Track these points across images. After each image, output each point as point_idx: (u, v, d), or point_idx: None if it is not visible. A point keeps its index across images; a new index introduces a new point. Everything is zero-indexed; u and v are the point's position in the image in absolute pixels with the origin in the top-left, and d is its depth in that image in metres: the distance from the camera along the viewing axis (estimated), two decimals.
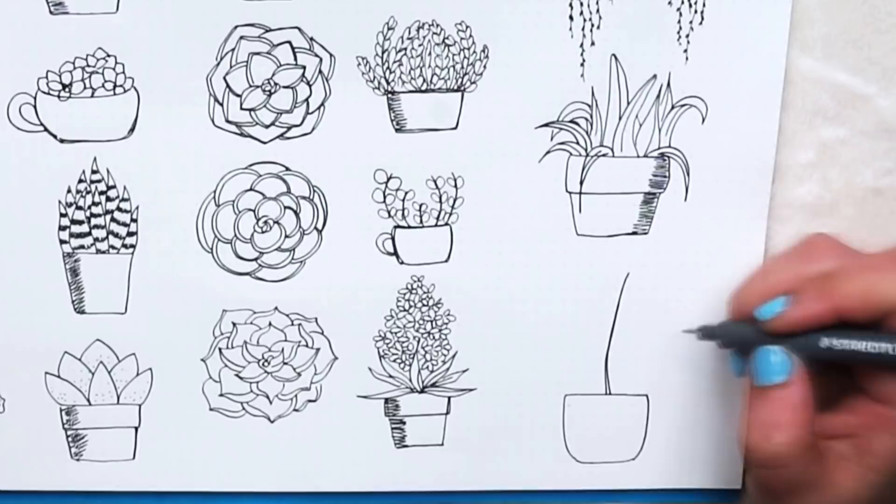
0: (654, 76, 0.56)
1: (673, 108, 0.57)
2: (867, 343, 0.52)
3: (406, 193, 0.57)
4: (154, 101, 0.56)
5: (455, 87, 0.56)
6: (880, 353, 0.52)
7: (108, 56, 0.55)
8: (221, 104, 0.56)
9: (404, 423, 0.61)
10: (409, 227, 0.58)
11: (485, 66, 0.56)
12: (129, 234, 0.57)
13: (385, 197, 0.57)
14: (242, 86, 0.56)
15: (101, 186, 0.57)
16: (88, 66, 0.55)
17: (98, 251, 0.58)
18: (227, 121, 0.56)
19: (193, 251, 0.58)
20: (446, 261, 0.59)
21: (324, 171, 0.57)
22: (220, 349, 0.59)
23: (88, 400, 0.60)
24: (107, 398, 0.60)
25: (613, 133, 0.57)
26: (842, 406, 0.55)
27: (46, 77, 0.55)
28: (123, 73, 0.55)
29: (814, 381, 0.53)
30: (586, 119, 0.57)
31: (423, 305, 0.59)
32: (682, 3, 0.55)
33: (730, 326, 0.57)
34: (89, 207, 0.57)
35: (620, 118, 0.57)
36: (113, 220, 0.57)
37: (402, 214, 0.58)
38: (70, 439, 0.61)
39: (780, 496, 0.53)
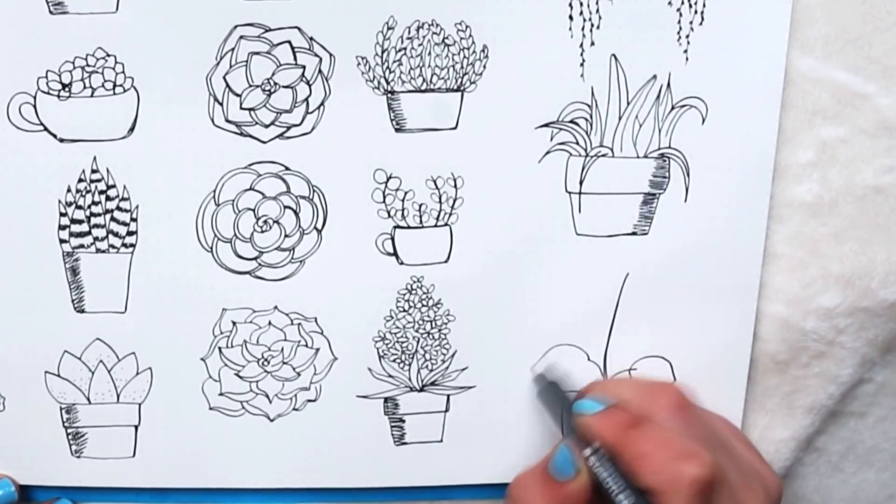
0: (654, 76, 0.56)
1: (673, 108, 0.57)
2: (613, 480, 0.53)
3: (406, 193, 0.57)
4: (154, 101, 0.56)
5: (455, 87, 0.56)
6: (612, 491, 0.52)
7: (108, 56, 0.55)
8: (221, 104, 0.56)
9: (403, 420, 0.61)
10: (409, 227, 0.58)
11: (485, 66, 0.56)
12: (129, 233, 0.57)
13: (385, 197, 0.57)
14: (242, 85, 0.56)
15: (101, 186, 0.57)
16: (88, 65, 0.55)
17: (98, 250, 0.58)
18: (227, 120, 0.56)
19: (193, 251, 0.58)
20: (446, 261, 0.59)
21: (324, 170, 0.57)
22: (219, 348, 0.59)
23: (88, 399, 0.60)
24: (107, 397, 0.60)
25: (613, 133, 0.57)
26: None
27: (46, 77, 0.55)
28: (123, 73, 0.55)
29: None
30: (586, 119, 0.57)
31: (423, 306, 0.59)
32: (682, 3, 0.55)
33: (553, 394, 0.59)
34: (89, 207, 0.57)
35: (620, 118, 0.57)
36: (113, 219, 0.57)
37: (402, 214, 0.58)
38: (70, 437, 0.61)
39: None
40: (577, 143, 0.57)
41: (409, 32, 0.55)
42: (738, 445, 0.58)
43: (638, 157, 0.57)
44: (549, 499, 0.55)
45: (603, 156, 0.57)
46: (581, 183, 0.58)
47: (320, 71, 0.56)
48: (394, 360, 0.60)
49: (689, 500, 0.50)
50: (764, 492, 0.55)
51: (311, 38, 0.55)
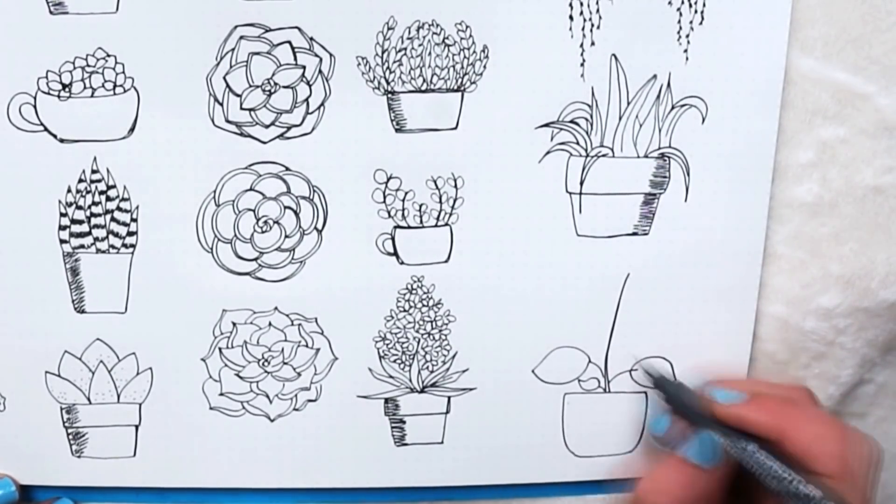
0: (654, 76, 0.56)
1: (673, 108, 0.57)
2: (782, 470, 0.52)
3: (406, 193, 0.57)
4: (154, 101, 0.56)
5: (455, 87, 0.56)
6: (785, 481, 0.52)
7: (108, 56, 0.55)
8: (221, 104, 0.56)
9: (404, 422, 0.61)
10: (409, 227, 0.58)
11: (485, 66, 0.56)
12: (129, 233, 0.57)
13: (385, 197, 0.57)
14: (242, 86, 0.56)
15: (101, 186, 0.57)
16: (88, 66, 0.55)
17: (98, 251, 0.58)
18: (227, 121, 0.56)
19: (193, 251, 0.58)
20: (446, 261, 0.59)
21: (324, 171, 0.57)
22: (220, 349, 0.59)
23: (89, 399, 0.60)
24: (107, 397, 0.60)
25: (613, 133, 0.57)
26: None
27: (46, 77, 0.55)
28: (123, 73, 0.55)
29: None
30: (586, 119, 0.57)
31: (423, 306, 0.59)
32: (682, 3, 0.55)
33: (683, 390, 0.58)
34: (89, 207, 0.57)
35: (620, 118, 0.57)
36: (113, 219, 0.57)
37: (402, 214, 0.58)
38: (71, 437, 0.61)
39: None
40: (578, 143, 0.57)
41: (410, 32, 0.55)
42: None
43: (638, 156, 0.57)
44: (691, 488, 0.54)
45: (603, 156, 0.57)
46: (581, 183, 0.58)
47: (320, 71, 0.56)
48: (394, 361, 0.60)
49: (868, 482, 0.51)
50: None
51: (312, 39, 0.55)
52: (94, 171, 0.56)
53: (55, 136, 0.56)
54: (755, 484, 0.53)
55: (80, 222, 0.57)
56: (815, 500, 0.50)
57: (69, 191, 0.57)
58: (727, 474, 0.55)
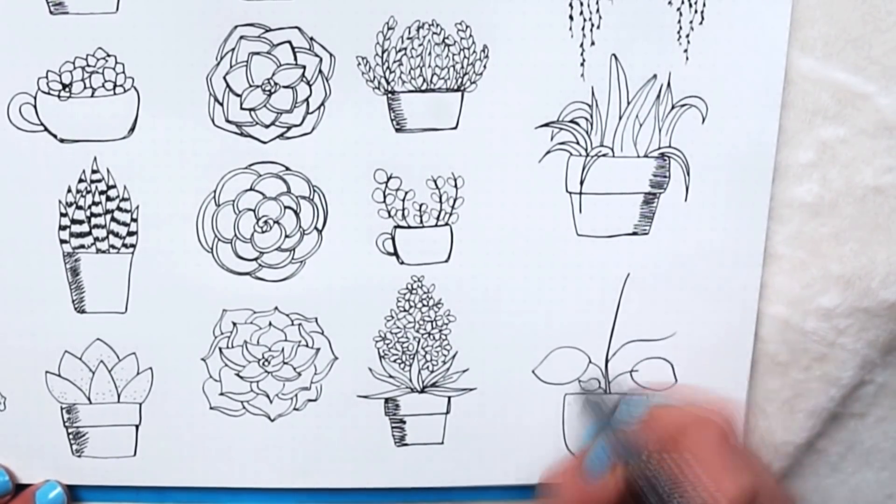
0: (654, 76, 0.56)
1: (673, 108, 0.57)
2: (664, 484, 0.52)
3: (406, 193, 0.57)
4: (154, 101, 0.56)
5: (455, 87, 0.56)
6: (663, 496, 0.52)
7: (108, 56, 0.55)
8: (221, 104, 0.56)
9: (404, 422, 0.61)
10: (409, 227, 0.58)
11: (485, 66, 0.56)
12: (130, 233, 0.57)
13: (385, 197, 0.57)
14: (242, 86, 0.56)
15: (102, 186, 0.57)
16: (88, 66, 0.55)
17: (98, 251, 0.58)
18: (227, 121, 0.56)
19: (193, 251, 0.58)
20: (446, 261, 0.59)
21: (324, 171, 0.57)
22: (220, 349, 0.59)
23: (89, 398, 0.60)
24: (107, 397, 0.60)
25: (613, 133, 0.57)
26: None
27: (46, 77, 0.55)
28: (123, 73, 0.55)
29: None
30: (586, 119, 0.57)
31: (424, 306, 0.59)
32: (682, 3, 0.55)
33: (604, 401, 0.58)
34: (89, 207, 0.57)
35: (620, 118, 0.57)
36: (113, 219, 0.57)
37: (402, 214, 0.58)
38: (71, 437, 0.61)
39: None
40: (578, 143, 0.57)
41: (410, 32, 0.55)
42: (765, 472, 0.58)
43: (638, 156, 0.57)
44: (580, 494, 0.55)
45: (603, 156, 0.57)
46: (581, 183, 0.58)
47: (320, 71, 0.56)
48: (394, 361, 0.60)
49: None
50: None
51: (312, 39, 0.55)
52: (94, 171, 0.56)
53: (55, 136, 0.56)
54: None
55: (81, 222, 0.57)
56: None
57: (69, 191, 0.57)
58: (618, 488, 0.55)
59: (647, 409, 0.57)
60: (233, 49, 0.55)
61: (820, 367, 0.61)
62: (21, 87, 0.55)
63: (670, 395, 0.60)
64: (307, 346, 0.60)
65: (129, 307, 0.59)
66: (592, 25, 0.55)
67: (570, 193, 0.58)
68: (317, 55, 0.55)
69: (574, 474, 0.56)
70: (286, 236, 0.58)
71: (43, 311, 0.59)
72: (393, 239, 0.58)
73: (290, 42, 0.55)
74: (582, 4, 0.55)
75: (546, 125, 0.57)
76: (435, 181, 0.57)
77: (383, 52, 0.55)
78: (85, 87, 0.55)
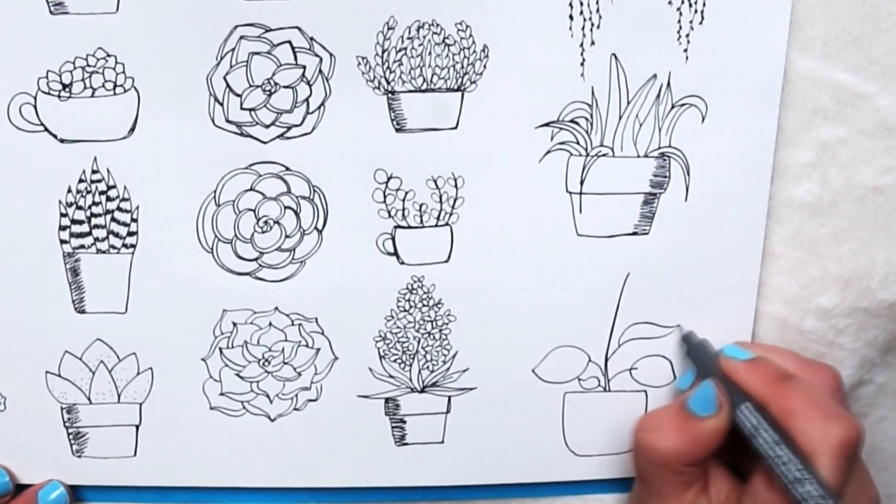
0: (654, 76, 0.56)
1: (673, 107, 0.57)
2: (766, 432, 0.53)
3: (406, 193, 0.57)
4: (154, 101, 0.56)
5: (455, 87, 0.56)
6: (766, 443, 0.53)
7: (108, 56, 0.55)
8: (221, 104, 0.56)
9: (404, 421, 0.61)
10: (410, 227, 0.58)
11: (485, 66, 0.56)
12: (130, 233, 0.57)
13: (385, 197, 0.57)
14: (242, 86, 0.56)
15: (102, 186, 0.57)
16: (88, 66, 0.55)
17: (98, 251, 0.58)
18: (227, 121, 0.56)
19: (193, 251, 0.58)
20: (446, 261, 0.59)
21: (324, 171, 0.57)
22: (220, 349, 0.59)
23: (89, 399, 0.60)
24: (107, 397, 0.60)
25: (613, 133, 0.57)
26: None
27: (46, 77, 0.55)
28: (123, 73, 0.55)
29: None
30: (586, 119, 0.57)
31: (424, 306, 0.59)
32: (682, 2, 0.55)
33: (703, 345, 0.59)
34: (89, 207, 0.57)
35: (620, 118, 0.57)
36: (113, 219, 0.57)
37: (403, 214, 0.58)
38: (71, 437, 0.61)
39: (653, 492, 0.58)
40: (578, 143, 0.57)
41: (410, 32, 0.55)
42: None
43: (638, 156, 0.58)
44: (684, 434, 0.56)
45: (603, 155, 0.57)
46: (582, 183, 0.58)
47: (321, 71, 0.56)
48: (395, 361, 0.60)
49: (837, 462, 0.51)
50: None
51: (312, 38, 0.55)
52: (94, 172, 0.56)
53: (55, 136, 0.56)
54: (740, 444, 0.55)
55: (81, 222, 0.57)
56: (786, 464, 0.51)
57: (69, 191, 0.57)
58: (724, 429, 0.55)
59: (756, 354, 0.57)
60: (233, 49, 0.55)
61: None
62: (21, 87, 0.55)
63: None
64: (307, 346, 0.60)
65: (129, 307, 0.59)
66: (592, 25, 0.55)
67: (570, 193, 0.58)
68: (317, 55, 0.55)
69: (678, 413, 0.56)
70: (286, 236, 0.58)
71: (43, 311, 0.58)
72: (393, 239, 0.58)
73: (290, 42, 0.55)
74: (582, 4, 0.55)
75: (546, 125, 0.57)
76: (435, 181, 0.57)
77: (383, 52, 0.55)
78: (85, 87, 0.55)
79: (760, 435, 0.53)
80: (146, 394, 0.60)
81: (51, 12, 0.54)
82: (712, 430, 0.55)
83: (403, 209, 0.58)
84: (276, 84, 0.56)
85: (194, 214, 0.57)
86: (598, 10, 0.55)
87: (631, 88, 0.57)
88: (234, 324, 0.59)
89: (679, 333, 0.60)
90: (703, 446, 0.55)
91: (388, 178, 0.57)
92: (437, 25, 0.55)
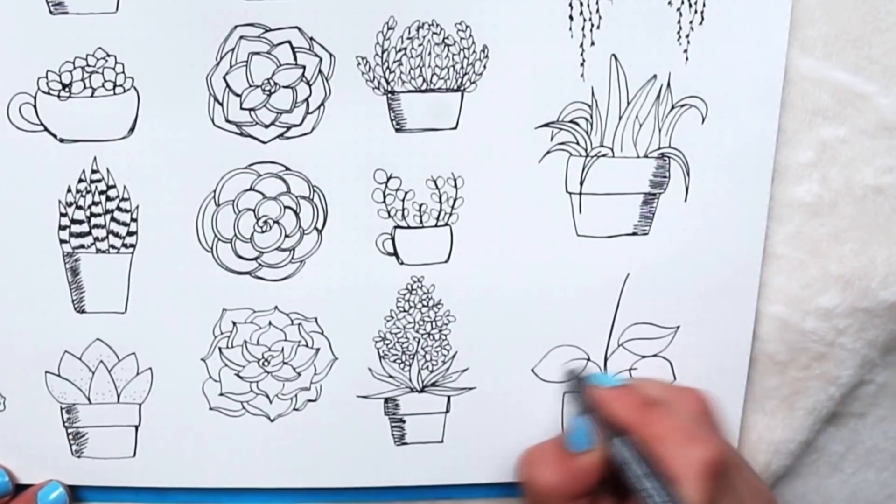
0: (654, 76, 0.56)
1: (673, 108, 0.57)
2: (636, 464, 0.53)
3: (406, 193, 0.57)
4: (154, 101, 0.56)
5: (455, 87, 0.56)
6: (634, 475, 0.53)
7: (108, 56, 0.55)
8: (221, 104, 0.56)
9: (404, 421, 0.61)
10: (409, 227, 0.58)
11: (485, 66, 0.56)
12: (129, 233, 0.57)
13: (385, 197, 0.57)
14: (242, 86, 0.56)
15: (101, 186, 0.57)
16: (88, 66, 0.55)
17: (98, 251, 0.58)
18: (227, 120, 0.56)
19: (193, 251, 0.58)
20: (446, 261, 0.59)
21: (324, 170, 0.57)
22: (220, 349, 0.59)
23: (89, 399, 0.60)
24: (107, 397, 0.60)
25: (613, 133, 0.57)
26: None
27: (46, 77, 0.55)
28: (123, 73, 0.55)
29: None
30: (586, 119, 0.57)
31: (423, 306, 0.59)
32: (682, 3, 0.55)
33: (582, 380, 0.59)
34: (89, 207, 0.57)
35: (620, 118, 0.57)
36: (113, 219, 0.57)
37: (402, 214, 0.58)
38: (71, 437, 0.61)
39: None
40: (578, 143, 0.57)
41: (410, 32, 0.55)
42: (744, 464, 0.58)
43: (638, 156, 0.58)
44: (562, 469, 0.56)
45: (603, 156, 0.57)
46: (581, 183, 0.58)
47: (320, 71, 0.56)
48: (394, 361, 0.60)
49: (702, 484, 0.51)
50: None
51: (311, 38, 0.55)
52: (94, 171, 0.56)
53: (55, 136, 0.56)
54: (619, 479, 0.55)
55: (80, 222, 0.57)
56: (652, 497, 0.51)
57: (69, 191, 0.57)
58: (600, 464, 0.56)
59: (627, 381, 0.58)
60: (233, 49, 0.55)
61: (819, 366, 0.61)
62: (21, 87, 0.55)
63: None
64: (307, 346, 0.60)
65: (129, 307, 0.59)
66: (592, 25, 0.55)
67: (570, 193, 0.58)
68: (317, 55, 0.55)
69: (558, 448, 0.57)
70: (286, 236, 0.58)
71: (43, 311, 0.58)
72: (393, 239, 0.58)
73: (290, 42, 0.55)
74: (582, 4, 0.55)
75: (546, 125, 0.57)
76: (435, 181, 0.57)
77: (383, 52, 0.55)
78: (85, 87, 0.55)
79: (630, 468, 0.53)
80: (146, 394, 0.60)
81: (51, 12, 0.54)
82: (589, 465, 0.56)
83: (403, 209, 0.58)
84: (275, 84, 0.56)
85: (194, 214, 0.57)
86: (598, 11, 0.55)
87: (631, 89, 0.57)
88: (234, 323, 0.59)
89: (566, 370, 0.61)
90: (581, 481, 0.56)
91: (388, 178, 0.57)
92: (437, 25, 0.55)
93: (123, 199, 0.57)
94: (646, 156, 0.58)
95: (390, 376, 0.60)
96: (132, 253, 0.58)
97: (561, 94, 0.56)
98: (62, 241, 0.57)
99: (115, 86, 0.55)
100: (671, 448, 0.52)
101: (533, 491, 0.57)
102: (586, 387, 0.58)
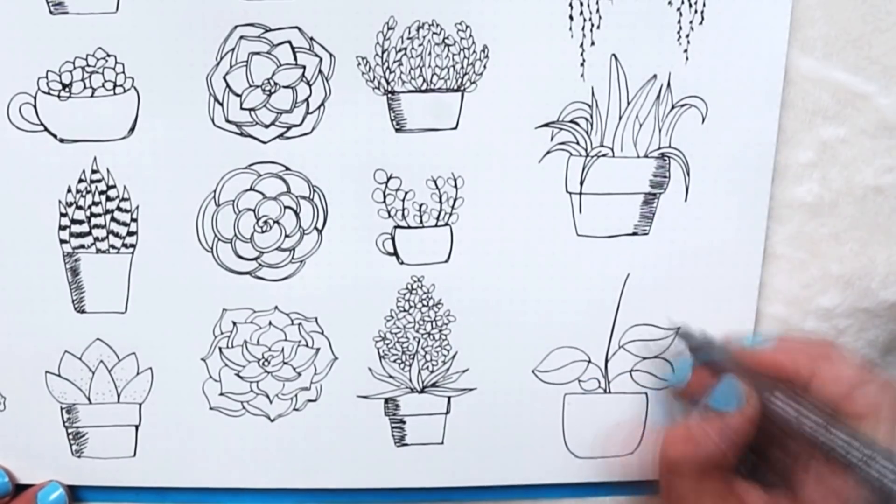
0: (654, 76, 0.56)
1: (673, 108, 0.57)
2: (812, 413, 0.52)
3: (406, 193, 0.57)
4: (154, 101, 0.56)
5: (455, 87, 0.56)
6: (818, 431, 0.51)
7: (108, 56, 0.55)
8: (221, 104, 0.56)
9: (404, 422, 0.61)
10: (409, 227, 0.58)
11: (485, 66, 0.56)
12: (129, 233, 0.57)
13: (385, 197, 0.57)
14: (242, 86, 0.56)
15: (102, 186, 0.57)
16: (88, 66, 0.55)
17: (98, 251, 0.58)
18: (227, 121, 0.56)
19: (193, 251, 0.58)
20: (446, 261, 0.59)
21: (324, 170, 0.57)
22: (220, 348, 0.59)
23: (89, 399, 0.60)
24: (107, 397, 0.60)
25: (613, 133, 0.57)
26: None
27: (46, 77, 0.55)
28: (123, 73, 0.55)
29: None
30: (586, 119, 0.57)
31: (424, 306, 0.59)
32: (682, 3, 0.55)
33: (708, 339, 0.58)
34: (89, 207, 0.57)
35: (620, 118, 0.57)
36: (113, 219, 0.57)
37: (402, 214, 0.58)
38: (71, 437, 0.61)
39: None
40: (578, 143, 0.57)
41: (410, 32, 0.55)
42: None
43: (638, 156, 0.57)
44: (714, 435, 0.54)
45: (603, 156, 0.57)
46: (581, 183, 0.58)
47: (320, 71, 0.56)
48: (394, 361, 0.60)
49: (891, 425, 0.50)
50: None
51: (312, 39, 0.55)
52: (94, 171, 0.56)
53: (55, 136, 0.56)
54: (775, 439, 0.54)
55: (80, 222, 0.57)
56: (844, 442, 0.50)
57: (69, 191, 0.57)
58: (754, 421, 0.54)
59: (772, 341, 0.56)
60: (233, 49, 0.55)
61: None
62: (21, 87, 0.55)
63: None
64: (307, 345, 0.60)
65: (129, 307, 0.59)
66: (592, 25, 0.55)
67: (570, 193, 0.58)
68: (317, 55, 0.55)
69: (701, 417, 0.55)
70: (286, 236, 0.58)
71: (43, 311, 0.59)
72: (393, 239, 0.58)
73: (290, 42, 0.55)
74: (582, 4, 0.55)
75: (546, 125, 0.57)
76: (435, 181, 0.57)
77: (383, 52, 0.55)
78: (85, 87, 0.55)
79: (806, 420, 0.52)
80: (146, 394, 0.60)
81: (51, 12, 0.54)
82: (743, 422, 0.53)
83: (403, 209, 0.58)
84: (275, 84, 0.56)
85: (194, 214, 0.57)
86: (598, 11, 0.55)
87: (631, 89, 0.57)
88: (234, 323, 0.59)
89: (676, 334, 0.60)
90: (737, 442, 0.53)
91: (388, 178, 0.57)
92: (437, 25, 0.55)
93: (123, 199, 0.57)
94: (646, 156, 0.57)
95: (390, 376, 0.60)
96: (132, 253, 0.58)
97: (561, 94, 0.56)
98: (62, 241, 0.57)
99: (115, 86, 0.55)
100: (870, 391, 0.51)
101: (685, 468, 0.54)
102: (716, 348, 0.57)
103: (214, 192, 0.57)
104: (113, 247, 0.58)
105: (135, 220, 0.57)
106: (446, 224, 0.58)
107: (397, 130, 0.57)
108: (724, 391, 0.55)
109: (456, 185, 0.57)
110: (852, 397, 0.51)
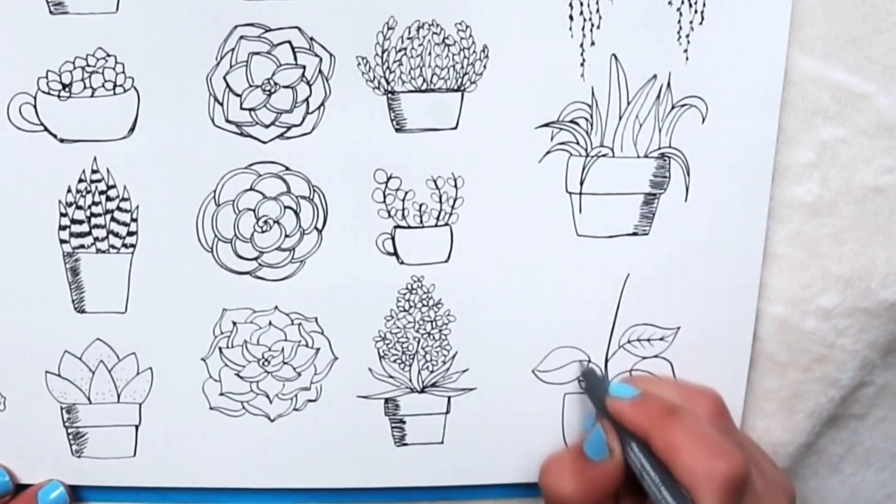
0: (654, 76, 0.56)
1: (673, 108, 0.57)
2: (653, 471, 0.53)
3: (406, 193, 0.57)
4: (154, 101, 0.56)
5: (455, 87, 0.56)
6: (652, 489, 0.53)
7: (108, 56, 0.55)
8: (221, 104, 0.56)
9: (404, 422, 0.61)
10: (409, 227, 0.58)
11: (485, 66, 0.56)
12: (130, 233, 0.57)
13: (385, 197, 0.57)
14: (242, 86, 0.56)
15: (102, 186, 0.57)
16: (88, 66, 0.55)
17: (98, 251, 0.58)
18: (227, 121, 0.56)
19: (193, 251, 0.58)
20: (446, 261, 0.59)
21: (324, 170, 0.57)
22: (220, 348, 0.59)
23: (89, 399, 0.60)
24: (107, 397, 0.60)
25: (614, 133, 0.57)
26: None
27: (46, 77, 0.55)
28: (123, 73, 0.55)
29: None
30: (586, 119, 0.57)
31: (423, 306, 0.59)
32: (682, 3, 0.55)
33: (598, 384, 0.59)
34: (89, 207, 0.57)
35: (620, 118, 0.57)
36: (113, 219, 0.57)
37: (402, 214, 0.58)
38: (71, 437, 0.61)
39: None
40: (578, 143, 0.57)
41: (410, 32, 0.55)
42: (761, 456, 0.59)
43: (638, 156, 0.57)
44: (581, 478, 0.56)
45: (603, 156, 0.57)
46: (581, 183, 0.58)
47: (320, 71, 0.56)
48: (394, 361, 0.60)
49: (721, 498, 0.50)
50: (787, 498, 0.56)
51: (312, 38, 0.55)
52: (94, 171, 0.56)
53: (55, 136, 0.56)
54: (631, 487, 0.55)
55: (80, 222, 0.57)
56: None
57: (69, 191, 0.57)
58: (619, 471, 0.56)
59: (640, 390, 0.57)
60: (233, 49, 0.55)
61: (819, 368, 0.61)
62: (21, 87, 0.55)
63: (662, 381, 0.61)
64: (307, 346, 0.60)
65: (129, 307, 0.59)
66: (592, 25, 0.55)
67: (570, 193, 0.58)
68: (317, 55, 0.55)
69: (576, 457, 0.57)
70: (286, 236, 0.58)
71: (43, 311, 0.58)
72: (393, 239, 0.58)
73: (290, 42, 0.55)
74: (582, 4, 0.55)
75: (546, 125, 0.57)
76: (435, 181, 0.57)
77: (383, 52, 0.55)
78: (85, 87, 0.55)
79: (646, 476, 0.53)
80: (146, 394, 0.60)
81: (51, 12, 0.54)
82: (607, 473, 0.56)
83: (403, 209, 0.58)
84: (275, 84, 0.56)
85: (194, 214, 0.57)
86: (598, 11, 0.55)
87: (631, 89, 0.57)
88: (234, 323, 0.59)
89: (580, 369, 0.61)
90: (601, 489, 0.56)
91: (388, 178, 0.57)
92: (437, 25, 0.55)
93: (123, 199, 0.57)
94: (646, 156, 0.58)
95: (390, 376, 0.60)
96: (132, 253, 0.58)
97: (561, 94, 0.56)
98: (62, 241, 0.57)
99: (115, 86, 0.55)
100: (691, 459, 0.52)
101: (554, 500, 0.57)
102: (601, 393, 0.58)
103: (214, 192, 0.57)
104: (113, 247, 0.58)
105: (135, 220, 0.57)
106: (446, 224, 0.58)
107: (397, 130, 0.57)
108: (593, 441, 0.57)
109: (456, 185, 0.57)
110: (675, 465, 0.52)
